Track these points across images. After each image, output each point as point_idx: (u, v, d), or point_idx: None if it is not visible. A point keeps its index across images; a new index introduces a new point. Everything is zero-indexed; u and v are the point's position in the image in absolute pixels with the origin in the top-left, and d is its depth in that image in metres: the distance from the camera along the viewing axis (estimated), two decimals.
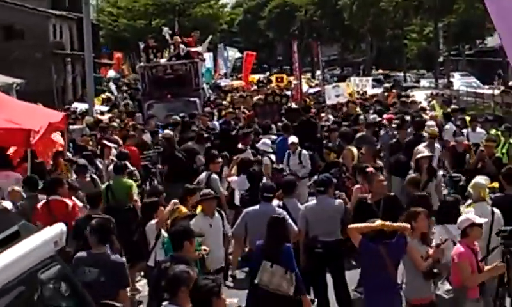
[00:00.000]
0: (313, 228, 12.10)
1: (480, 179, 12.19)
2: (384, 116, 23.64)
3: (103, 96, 41.79)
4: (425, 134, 18.61)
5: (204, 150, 18.45)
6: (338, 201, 12.68)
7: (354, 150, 16.64)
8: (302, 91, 32.53)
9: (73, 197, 13.43)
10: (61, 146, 17.04)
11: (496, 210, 11.55)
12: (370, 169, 13.97)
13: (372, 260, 9.86)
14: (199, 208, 12.08)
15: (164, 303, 7.30)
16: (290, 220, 11.92)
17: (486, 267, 9.97)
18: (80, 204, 13.39)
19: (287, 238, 10.92)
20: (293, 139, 18.37)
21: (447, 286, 9.84)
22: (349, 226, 10.23)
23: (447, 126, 21.74)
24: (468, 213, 10.08)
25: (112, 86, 43.85)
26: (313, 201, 12.91)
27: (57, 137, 17.03)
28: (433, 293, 10.24)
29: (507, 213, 11.35)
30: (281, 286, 10.36)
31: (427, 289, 10.25)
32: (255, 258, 10.76)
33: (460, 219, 9.98)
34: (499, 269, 9.86)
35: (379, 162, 15.99)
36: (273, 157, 18.21)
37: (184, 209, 11.78)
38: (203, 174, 15.66)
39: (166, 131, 21.11)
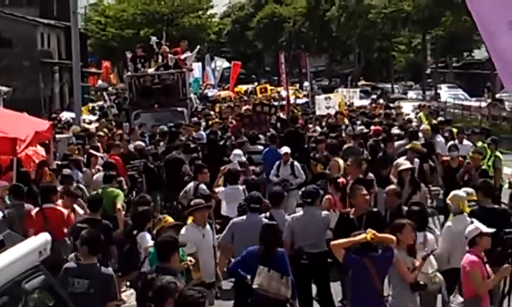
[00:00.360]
0: (299, 239, 12.06)
1: (459, 191, 12.26)
2: (372, 127, 23.62)
3: (90, 105, 41.78)
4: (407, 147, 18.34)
5: (189, 160, 18.46)
6: (325, 212, 12.63)
7: (341, 162, 16.62)
8: (289, 101, 32.53)
9: (74, 205, 13.48)
10: (43, 156, 16.97)
11: (475, 221, 11.52)
12: (342, 180, 14.10)
13: (358, 273, 9.84)
14: (190, 219, 11.97)
15: None
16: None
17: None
18: (81, 211, 13.42)
19: (281, 244, 11.04)
20: (286, 149, 18.35)
21: (460, 299, 9.85)
22: (332, 243, 10.19)
23: (438, 139, 21.76)
24: (476, 223, 10.09)
25: (106, 97, 43.74)
26: (299, 212, 12.85)
27: (39, 148, 16.98)
28: (418, 305, 10.26)
29: (484, 225, 11.34)
30: (280, 290, 10.45)
31: (414, 301, 10.25)
32: (249, 264, 10.73)
33: (469, 228, 10.02)
34: (505, 272, 9.84)
35: (371, 175, 15.85)
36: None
37: (169, 219, 11.62)
38: (191, 184, 15.63)
39: (138, 142, 21.13)
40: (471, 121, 41.52)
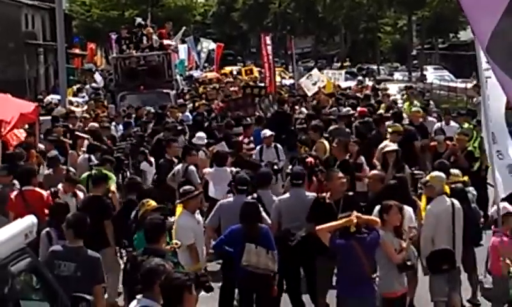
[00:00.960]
0: (286, 221, 12.00)
1: (440, 172, 12.30)
2: (358, 109, 23.59)
3: (75, 87, 41.55)
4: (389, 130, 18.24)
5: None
6: (312, 194, 12.53)
7: (326, 143, 16.61)
8: (275, 82, 32.42)
9: (76, 190, 13.59)
10: (24, 138, 16.94)
11: (455, 202, 11.66)
12: (310, 159, 14.19)
13: (346, 256, 9.86)
14: (179, 208, 11.71)
15: (138, 296, 7.22)
16: (264, 213, 11.88)
17: None
18: (82, 195, 13.54)
19: (261, 220, 11.26)
20: (268, 132, 18.09)
21: (490, 279, 9.92)
22: (317, 228, 10.23)
23: (430, 119, 21.88)
24: (505, 203, 10.12)
25: (98, 77, 43.48)
26: (286, 194, 12.77)
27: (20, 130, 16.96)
28: (406, 287, 10.29)
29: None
30: (268, 265, 10.74)
31: (401, 282, 10.30)
32: (232, 241, 10.92)
33: (494, 208, 10.10)
34: None
35: (362, 158, 15.80)
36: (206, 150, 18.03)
37: (152, 202, 11.52)
38: (180, 166, 15.56)
39: (92, 123, 21.04)
40: (457, 103, 41.58)
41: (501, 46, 2.92)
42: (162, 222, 9.66)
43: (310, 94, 31.09)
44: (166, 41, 33.23)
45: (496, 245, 9.85)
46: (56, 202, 12.41)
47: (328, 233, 9.90)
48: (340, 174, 12.01)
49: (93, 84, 42.14)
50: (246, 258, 10.67)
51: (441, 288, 11.36)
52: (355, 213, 9.93)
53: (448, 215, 11.40)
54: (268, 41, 33.29)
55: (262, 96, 25.64)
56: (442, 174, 12.13)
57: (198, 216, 11.79)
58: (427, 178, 12.23)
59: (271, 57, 31.86)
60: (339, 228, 9.90)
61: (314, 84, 32.50)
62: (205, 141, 18.23)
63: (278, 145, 17.89)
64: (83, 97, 37.27)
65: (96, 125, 20.71)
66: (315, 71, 35.66)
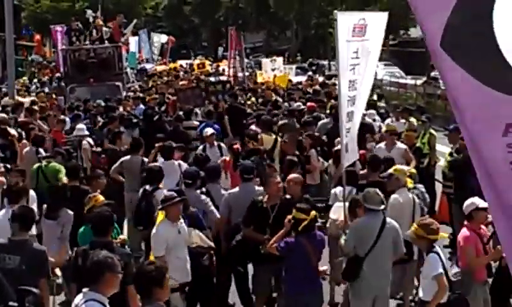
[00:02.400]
0: (237, 215, 11.94)
1: (403, 166, 12.43)
2: (308, 104, 23.67)
3: (21, 80, 41.14)
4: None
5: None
6: (260, 188, 12.48)
7: (273, 136, 16.75)
8: (237, 76, 32.72)
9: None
10: None
11: (415, 197, 11.89)
12: (236, 146, 15.41)
13: (295, 255, 10.01)
14: (161, 215, 10.60)
15: (85, 289, 7.15)
16: (212, 207, 11.86)
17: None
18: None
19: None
20: (210, 130, 17.52)
21: (455, 269, 9.96)
22: (267, 247, 10.43)
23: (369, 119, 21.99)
24: (474, 198, 10.13)
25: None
26: (235, 188, 12.72)
27: None
28: None
29: None
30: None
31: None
32: None
33: (466, 203, 10.11)
34: (497, 253, 9.82)
35: (313, 151, 15.86)
36: (91, 140, 18.23)
37: (100, 197, 11.38)
38: (128, 157, 15.45)
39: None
40: (406, 99, 41.89)
41: (457, 40, 2.93)
42: (110, 214, 9.63)
43: (264, 76, 31.36)
44: (123, 39, 33.18)
45: (463, 238, 9.95)
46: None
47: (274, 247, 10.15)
48: (278, 179, 11.63)
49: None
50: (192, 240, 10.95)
51: (399, 279, 11.49)
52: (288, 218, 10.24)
53: (409, 207, 11.65)
54: (234, 35, 33.78)
55: (227, 91, 25.73)
56: (404, 167, 12.41)
57: (182, 224, 10.66)
58: (392, 170, 12.18)
59: (237, 52, 32.19)
60: (282, 237, 10.16)
61: (273, 70, 32.73)
62: (86, 132, 18.22)
63: (222, 144, 17.45)
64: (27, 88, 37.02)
65: (4, 115, 20.11)
66: (279, 59, 36.08)
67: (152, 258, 10.03)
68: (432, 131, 18.59)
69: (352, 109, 11.38)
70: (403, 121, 20.69)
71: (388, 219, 10.25)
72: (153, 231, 10.47)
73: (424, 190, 12.63)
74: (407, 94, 45.56)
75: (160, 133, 18.24)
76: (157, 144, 16.45)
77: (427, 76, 47.73)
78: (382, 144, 15.66)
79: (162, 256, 10.10)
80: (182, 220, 10.69)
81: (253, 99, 27.06)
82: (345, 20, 11.18)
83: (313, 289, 10.14)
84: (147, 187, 13.05)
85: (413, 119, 20.05)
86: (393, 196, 11.59)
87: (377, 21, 11.75)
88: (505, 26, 3.02)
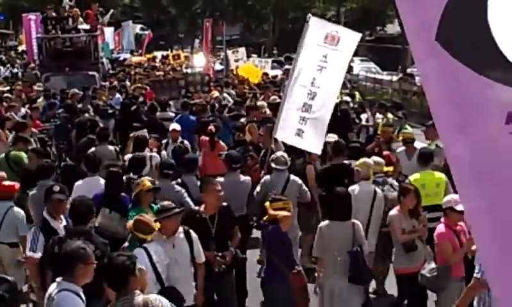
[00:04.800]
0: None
1: (367, 159, 12.74)
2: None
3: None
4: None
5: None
6: (247, 178, 12.74)
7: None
8: (214, 68, 32.79)
9: None
10: None
11: (378, 190, 12.09)
12: (210, 127, 15.94)
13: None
14: (155, 226, 9.28)
15: (58, 279, 7.08)
16: (188, 198, 11.78)
17: None
18: None
19: (123, 189, 11.55)
20: (175, 126, 17.06)
21: (432, 265, 9.98)
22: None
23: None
24: (452, 194, 10.25)
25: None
26: (221, 178, 12.47)
27: None
28: (417, 266, 10.49)
29: (334, 182, 11.86)
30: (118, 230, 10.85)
31: (410, 261, 10.70)
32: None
33: (445, 199, 10.20)
34: (470, 244, 9.65)
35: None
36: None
37: (147, 183, 10.92)
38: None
39: None
40: (382, 95, 42.05)
41: (453, 32, 2.90)
42: (90, 203, 9.61)
43: (231, 68, 31.36)
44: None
45: (438, 235, 10.01)
46: None
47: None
48: (218, 187, 10.43)
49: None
50: (98, 220, 10.85)
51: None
52: None
53: (367, 200, 11.85)
54: (208, 26, 33.78)
55: (205, 83, 25.71)
56: (370, 161, 12.53)
57: (177, 239, 9.31)
58: (357, 163, 12.57)
59: (209, 43, 32.28)
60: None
61: (236, 60, 32.72)
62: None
63: (185, 141, 16.75)
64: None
65: None
66: (241, 50, 36.07)
67: None
68: (408, 127, 18.64)
69: (311, 103, 13.39)
70: (380, 116, 20.72)
71: (292, 176, 12.80)
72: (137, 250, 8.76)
73: (396, 184, 12.65)
74: (383, 90, 45.76)
75: (137, 123, 18.14)
76: (131, 134, 16.30)
77: (403, 72, 47.92)
78: (403, 149, 15.28)
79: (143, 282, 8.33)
80: (182, 235, 9.39)
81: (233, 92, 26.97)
82: (319, 27, 13.66)
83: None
84: (131, 174, 12.83)
85: (390, 116, 20.10)
86: (350, 188, 11.80)
87: (350, 38, 13.90)
88: (500, 18, 3.01)
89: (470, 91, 3.12)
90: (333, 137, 15.26)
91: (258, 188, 12.76)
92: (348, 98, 24.65)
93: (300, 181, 12.86)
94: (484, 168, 3.18)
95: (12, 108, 20.33)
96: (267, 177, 12.93)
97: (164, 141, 16.68)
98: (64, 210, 10.03)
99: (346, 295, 9.99)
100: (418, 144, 14.52)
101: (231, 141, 17.02)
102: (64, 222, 9.81)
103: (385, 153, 14.91)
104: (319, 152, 13.97)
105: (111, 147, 15.32)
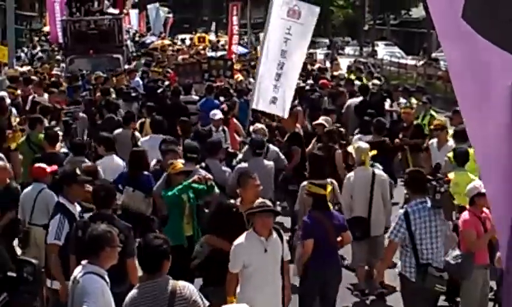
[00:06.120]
0: None
1: (362, 143, 12.88)
2: (321, 81, 23.82)
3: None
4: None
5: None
6: (270, 163, 12.74)
7: None
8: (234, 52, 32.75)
9: None
10: None
11: (378, 172, 12.20)
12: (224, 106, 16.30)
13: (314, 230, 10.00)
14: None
15: (83, 262, 7.13)
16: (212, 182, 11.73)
17: None
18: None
19: (147, 168, 12.03)
20: (219, 114, 16.77)
21: (456, 252, 9.93)
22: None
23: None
24: (477, 181, 10.16)
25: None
26: (245, 163, 12.63)
27: None
28: None
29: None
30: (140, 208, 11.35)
31: None
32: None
33: (469, 187, 10.09)
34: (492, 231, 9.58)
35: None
36: None
37: (178, 164, 11.08)
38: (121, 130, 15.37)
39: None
40: (406, 79, 41.84)
41: (479, 6, 2.87)
42: (112, 187, 9.66)
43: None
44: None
45: (463, 222, 9.95)
46: None
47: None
48: (257, 182, 9.90)
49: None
50: (123, 198, 11.28)
51: (359, 254, 12.07)
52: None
53: (365, 184, 12.01)
54: (235, 11, 33.73)
55: (228, 66, 25.67)
56: (362, 145, 12.62)
57: (270, 241, 8.74)
58: (351, 148, 12.88)
59: (236, 27, 32.19)
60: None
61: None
62: None
63: (226, 128, 16.68)
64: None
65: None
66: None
67: None
68: (433, 112, 18.58)
69: (280, 72, 15.19)
70: (403, 101, 20.66)
71: (271, 146, 13.62)
72: (237, 243, 8.68)
73: (380, 167, 12.65)
74: (407, 75, 45.52)
75: (161, 107, 18.14)
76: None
77: (428, 57, 47.66)
78: (434, 141, 15.05)
79: (235, 273, 8.68)
80: (275, 235, 8.83)
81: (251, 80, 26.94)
82: (282, 2, 15.30)
83: (331, 263, 9.97)
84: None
85: (413, 100, 20.03)
86: (348, 174, 12.20)
87: (310, 11, 15.63)
88: None
89: (494, 68, 3.08)
90: (325, 120, 15.39)
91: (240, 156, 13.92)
92: (377, 82, 24.61)
93: (277, 150, 13.79)
94: (505, 149, 3.15)
95: (38, 90, 20.44)
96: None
97: (207, 127, 16.16)
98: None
99: None
100: (451, 141, 14.21)
101: None
102: (78, 208, 9.81)
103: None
104: (285, 115, 15.41)
105: (128, 131, 15.28)
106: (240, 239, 8.67)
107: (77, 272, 7.13)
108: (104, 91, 20.24)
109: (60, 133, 15.41)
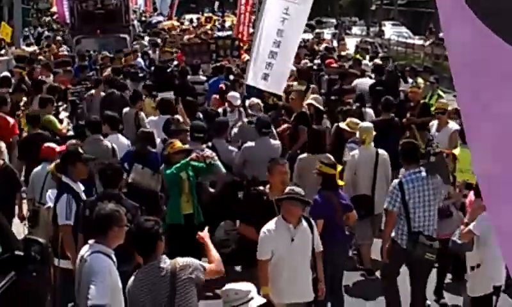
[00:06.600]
0: (253, 169, 11.83)
1: (364, 123, 12.92)
2: (327, 61, 23.75)
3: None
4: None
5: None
6: (277, 142, 12.72)
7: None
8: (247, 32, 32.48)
9: None
10: None
11: (381, 151, 12.20)
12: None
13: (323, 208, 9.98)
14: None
15: (91, 241, 7.14)
16: (218, 162, 11.75)
17: None
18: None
19: (155, 146, 12.33)
20: (235, 95, 16.20)
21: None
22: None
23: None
24: None
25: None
26: (251, 142, 12.57)
27: None
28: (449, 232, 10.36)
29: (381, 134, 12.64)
30: (150, 184, 11.54)
31: (445, 226, 10.55)
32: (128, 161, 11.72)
33: None
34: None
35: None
36: None
37: (177, 143, 11.25)
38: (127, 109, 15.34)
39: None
40: (414, 59, 41.72)
41: None
42: (119, 166, 9.69)
43: None
44: None
45: (471, 201, 9.97)
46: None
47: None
48: (285, 169, 9.88)
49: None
50: (132, 175, 11.47)
51: (364, 232, 12.11)
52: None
53: (369, 162, 12.07)
54: None
55: (235, 46, 25.62)
56: (365, 124, 12.70)
57: (298, 230, 8.65)
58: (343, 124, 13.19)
59: (249, 7, 31.96)
60: None
61: None
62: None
63: (241, 109, 16.16)
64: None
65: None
66: None
67: None
68: (440, 92, 18.53)
69: (277, 51, 15.49)
70: (410, 80, 20.60)
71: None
72: (265, 228, 8.60)
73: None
74: (414, 55, 45.39)
75: (168, 86, 18.13)
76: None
77: (435, 37, 47.45)
78: (435, 123, 14.90)
79: (264, 260, 8.50)
80: (305, 224, 8.77)
81: None
82: None
83: (338, 242, 9.90)
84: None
85: (420, 80, 19.96)
86: (350, 153, 12.27)
87: None
88: None
89: (494, 59, 3.04)
90: (314, 99, 15.41)
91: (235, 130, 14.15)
92: (379, 61, 24.50)
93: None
94: (505, 140, 3.10)
95: (45, 71, 20.43)
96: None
97: (220, 109, 15.89)
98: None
99: None
100: (454, 125, 14.19)
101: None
102: (82, 187, 9.80)
103: None
104: (281, 93, 16.19)
105: (133, 110, 15.27)
106: (268, 225, 8.61)
107: (84, 251, 7.13)
108: (114, 70, 20.23)
109: (66, 113, 15.49)
